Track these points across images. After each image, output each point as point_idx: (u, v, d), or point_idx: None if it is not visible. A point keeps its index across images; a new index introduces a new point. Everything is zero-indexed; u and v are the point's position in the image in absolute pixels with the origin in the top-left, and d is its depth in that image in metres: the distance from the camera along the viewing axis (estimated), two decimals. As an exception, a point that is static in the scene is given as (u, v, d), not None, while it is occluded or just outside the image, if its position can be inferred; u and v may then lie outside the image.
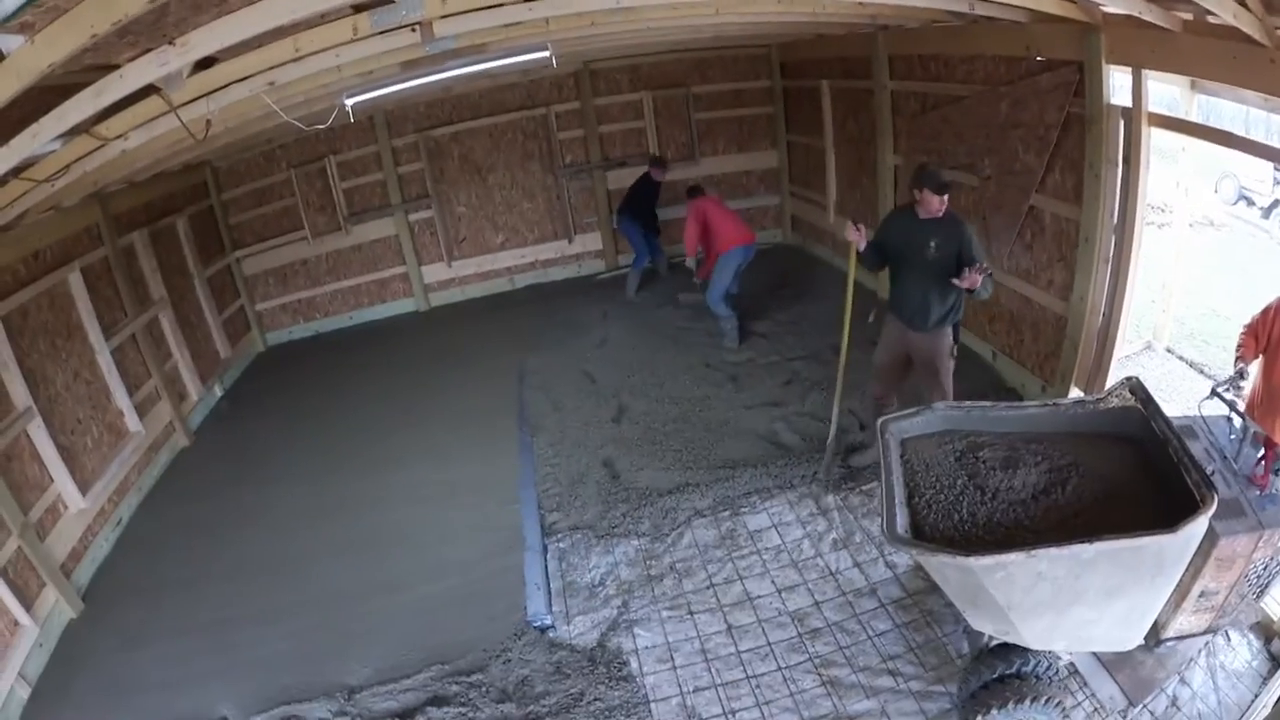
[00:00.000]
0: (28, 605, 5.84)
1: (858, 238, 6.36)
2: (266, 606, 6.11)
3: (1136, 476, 4.31)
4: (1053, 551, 3.63)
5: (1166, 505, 3.81)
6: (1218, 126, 6.92)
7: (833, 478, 6.94)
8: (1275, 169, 14.37)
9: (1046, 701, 4.42)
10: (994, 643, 4.64)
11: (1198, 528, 3.60)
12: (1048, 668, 4.55)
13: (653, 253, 11.84)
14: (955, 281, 5.97)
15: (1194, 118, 6.62)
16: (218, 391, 9.63)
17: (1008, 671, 4.52)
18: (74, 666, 5.78)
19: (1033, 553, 3.64)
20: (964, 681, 4.75)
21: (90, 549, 6.72)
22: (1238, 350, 5.44)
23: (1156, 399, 4.51)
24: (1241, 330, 5.56)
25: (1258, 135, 7.36)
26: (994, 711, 4.41)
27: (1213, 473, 4.35)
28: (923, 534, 4.21)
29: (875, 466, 5.19)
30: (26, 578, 5.95)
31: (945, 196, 6.02)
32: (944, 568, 4.02)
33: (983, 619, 4.25)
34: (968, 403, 4.98)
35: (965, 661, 5.00)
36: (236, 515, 7.27)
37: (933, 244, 6.14)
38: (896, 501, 4.27)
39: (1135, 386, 4.63)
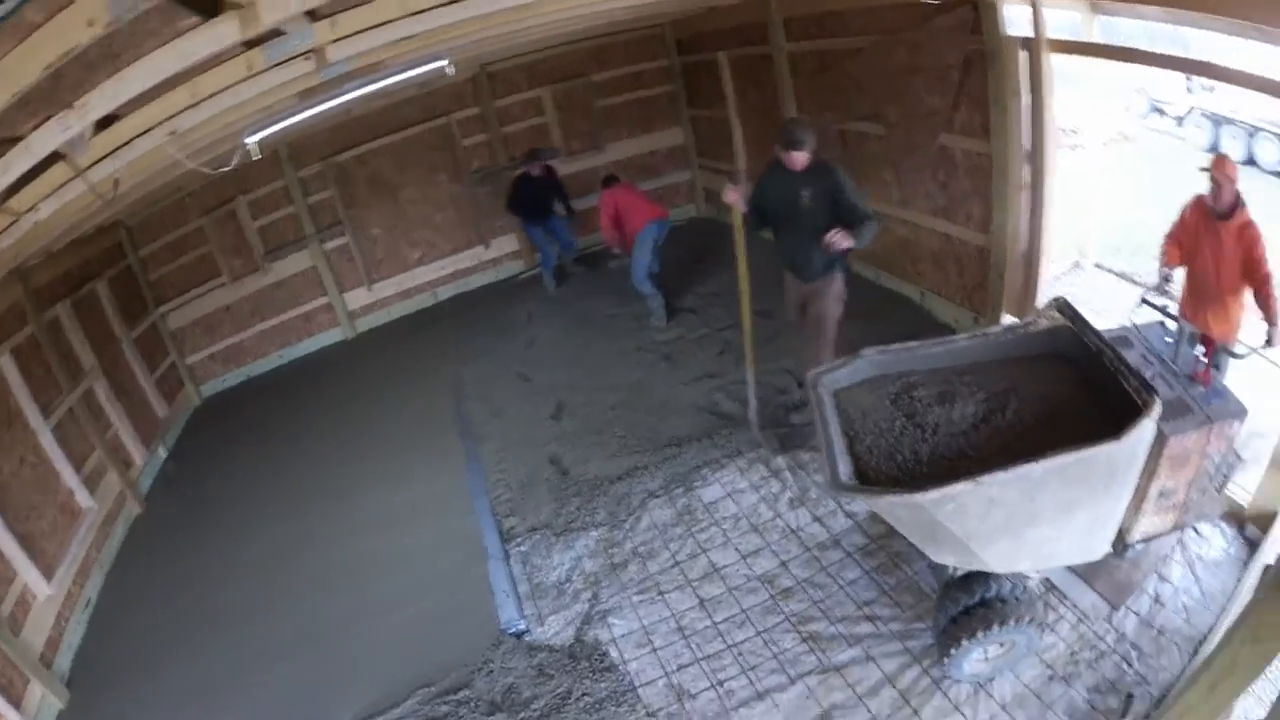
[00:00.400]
0: (16, 704, 5.67)
1: (735, 198, 6.40)
2: (247, 660, 6.01)
3: (1077, 393, 4.39)
4: (1000, 476, 3.67)
5: (1110, 415, 3.87)
6: (1121, 45, 7.06)
7: (772, 442, 7.02)
8: (1186, 78, 14.71)
9: (1024, 622, 4.49)
10: (959, 573, 4.70)
11: (1144, 432, 3.68)
12: (1019, 589, 4.60)
13: (563, 247, 11.78)
14: (828, 240, 6.00)
15: (1096, 39, 6.75)
16: (161, 453, 9.40)
17: (980, 598, 4.58)
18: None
19: (980, 480, 3.68)
20: (936, 615, 4.83)
21: (66, 635, 6.54)
22: (1161, 258, 5.60)
23: (1084, 314, 4.59)
24: (1164, 239, 5.71)
25: (1163, 48, 7.50)
26: (970, 639, 4.48)
27: (1152, 377, 4.48)
28: (868, 479, 4.24)
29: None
30: (10, 676, 5.76)
31: (799, 152, 6.10)
32: (894, 508, 4.07)
33: (943, 552, 4.30)
34: (895, 345, 5.01)
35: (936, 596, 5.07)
36: (202, 574, 7.13)
37: (805, 194, 6.22)
38: (837, 451, 4.31)
39: (1062, 305, 4.71)
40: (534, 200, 11.08)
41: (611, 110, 12.88)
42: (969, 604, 4.59)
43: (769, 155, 9.66)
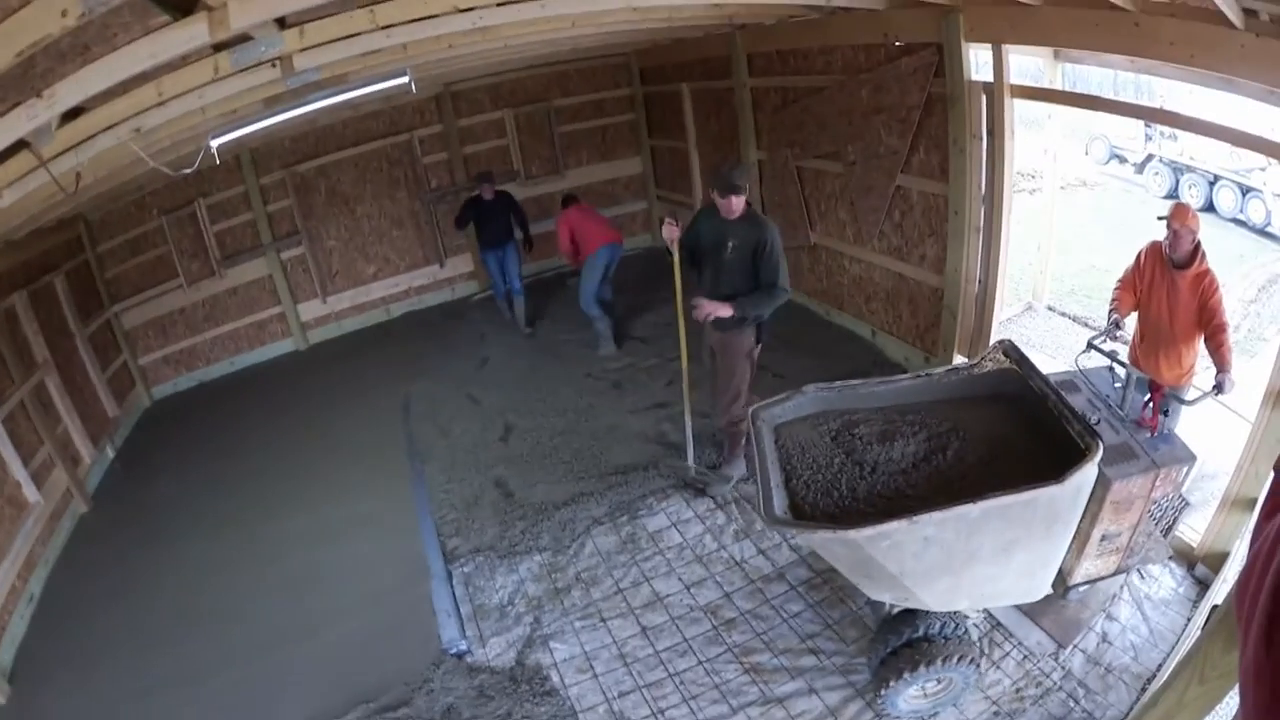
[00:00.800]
0: (-46, 696, 5.53)
1: (672, 234, 6.29)
2: (188, 668, 5.89)
3: (1021, 435, 4.42)
4: (936, 515, 3.70)
5: (1054, 458, 3.91)
6: (1083, 92, 7.22)
7: (708, 480, 7.03)
8: (1146, 126, 15.02)
9: (958, 660, 4.51)
10: (895, 609, 4.73)
11: (1085, 476, 3.72)
12: (955, 628, 4.63)
13: (511, 289, 11.13)
14: (695, 303, 6.13)
15: (1059, 86, 6.90)
16: (110, 453, 9.22)
17: (914, 636, 4.60)
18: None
19: (915, 519, 3.71)
20: (872, 650, 4.84)
21: (8, 630, 6.39)
22: (1112, 304, 5.65)
23: (1029, 357, 4.65)
24: (1116, 285, 5.78)
25: (1127, 96, 7.69)
26: (905, 676, 4.50)
27: (1098, 421, 4.53)
28: (803, 514, 4.24)
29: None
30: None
31: (738, 197, 6.00)
32: (829, 544, 4.07)
33: (879, 589, 4.33)
34: (838, 382, 5.02)
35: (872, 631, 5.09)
36: (146, 577, 7.00)
37: (730, 244, 6.15)
38: (773, 484, 4.31)
39: (1008, 348, 4.78)
40: (486, 224, 10.68)
41: (572, 136, 12.99)
42: (904, 640, 4.62)
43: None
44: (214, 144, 6.00)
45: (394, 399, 9.67)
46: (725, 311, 6.09)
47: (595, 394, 8.99)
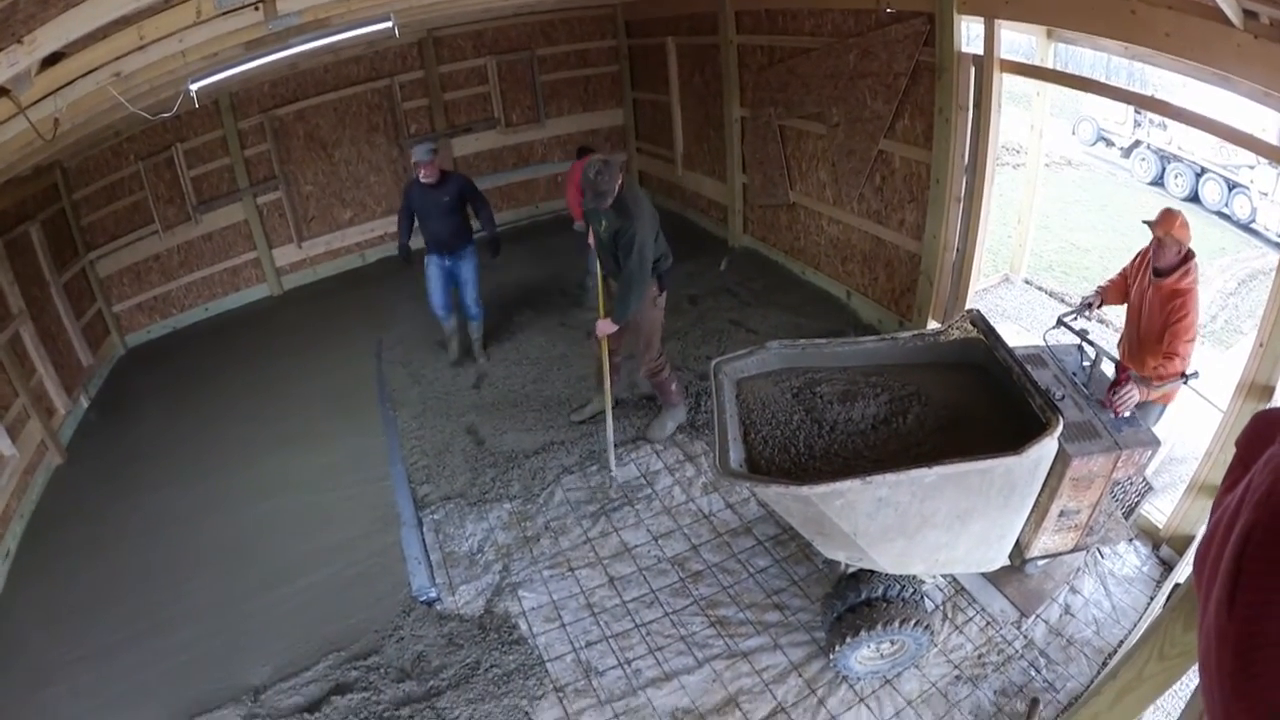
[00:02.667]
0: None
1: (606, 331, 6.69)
2: (163, 619, 5.90)
3: (983, 404, 4.47)
4: (890, 477, 3.74)
5: (1014, 430, 3.95)
6: (1074, 73, 7.21)
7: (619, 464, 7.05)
8: (1135, 112, 15.02)
9: (913, 625, 4.59)
10: (850, 569, 4.81)
11: (1044, 449, 3.78)
12: (903, 590, 4.71)
13: (468, 313, 8.80)
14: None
15: (1050, 64, 6.89)
16: (84, 402, 9.13)
17: (864, 598, 4.69)
18: (-14, 714, 5.44)
19: (869, 479, 3.74)
20: (826, 608, 4.93)
21: None
22: (1100, 286, 5.56)
23: (997, 329, 4.68)
24: (1106, 281, 5.64)
25: (1119, 81, 7.67)
26: (851, 638, 4.58)
27: (1062, 398, 4.54)
28: (759, 469, 4.27)
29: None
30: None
31: (599, 200, 6.12)
32: (783, 499, 4.12)
33: (833, 547, 4.37)
34: (803, 340, 5.06)
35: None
36: (121, 529, 6.97)
37: (604, 224, 6.34)
38: (730, 438, 4.33)
39: (976, 318, 4.81)
40: (428, 219, 8.23)
41: (555, 85, 12.90)
42: (856, 601, 4.70)
43: (706, 142, 9.72)
44: (193, 88, 5.93)
45: (367, 345, 9.67)
46: (610, 328, 6.59)
47: (569, 343, 9.02)
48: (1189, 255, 4.99)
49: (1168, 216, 5.00)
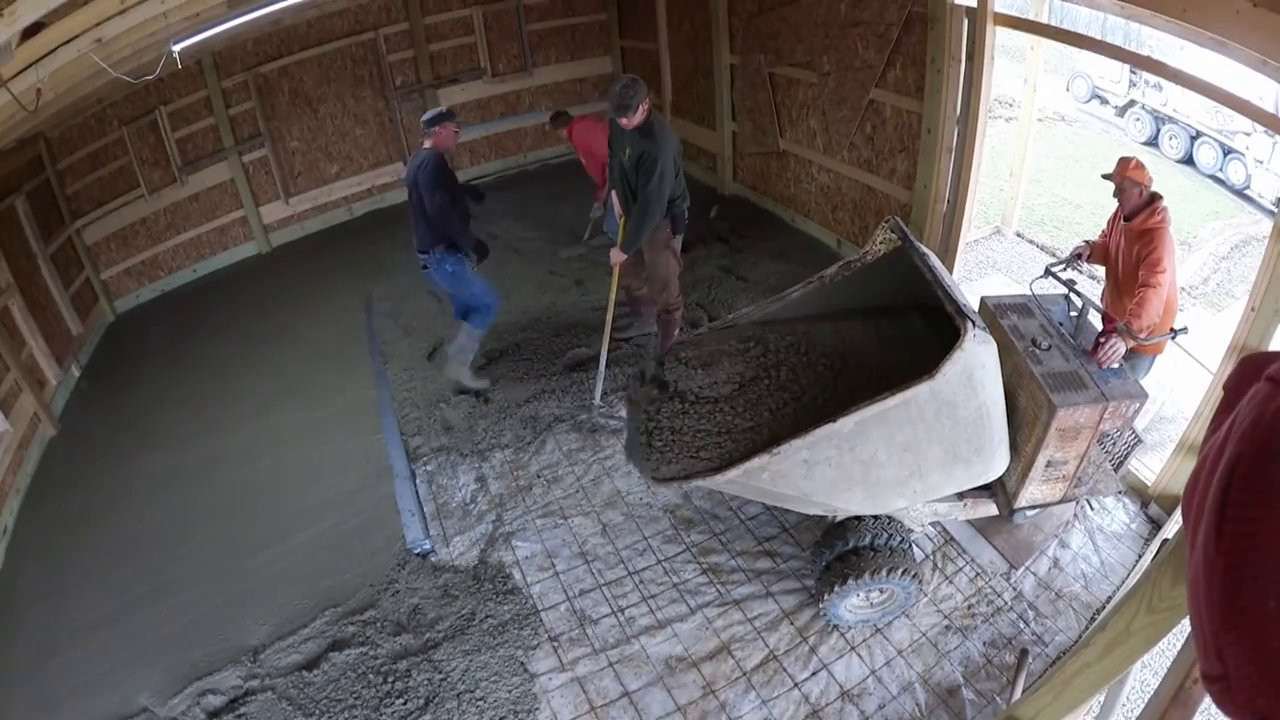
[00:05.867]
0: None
1: (618, 259, 6.78)
2: (162, 583, 5.93)
3: (878, 345, 4.64)
4: (798, 442, 3.81)
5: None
6: (1069, 29, 7.17)
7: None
8: (1131, 71, 14.90)
9: (901, 573, 4.62)
10: (837, 518, 4.83)
11: (967, 361, 3.66)
12: (890, 539, 4.72)
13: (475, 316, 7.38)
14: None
15: (1045, 19, 6.83)
16: (75, 372, 9.06)
17: (850, 547, 4.71)
18: (-9, 691, 5.44)
19: (775, 451, 3.83)
20: (816, 556, 4.96)
21: None
22: (1086, 241, 5.55)
23: (913, 236, 4.58)
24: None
25: (1115, 39, 7.63)
26: (839, 586, 4.62)
27: (1048, 348, 4.52)
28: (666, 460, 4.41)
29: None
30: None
31: (625, 119, 6.06)
32: (715, 487, 4.23)
33: (802, 506, 4.42)
34: (733, 314, 5.16)
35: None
36: (117, 496, 6.96)
37: (626, 150, 6.34)
38: (639, 448, 4.53)
39: (894, 225, 4.74)
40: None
41: (541, 34, 12.76)
42: (844, 549, 4.73)
43: (695, 90, 9.63)
44: (176, 49, 5.87)
45: (357, 299, 9.64)
46: (621, 257, 6.68)
47: (557, 291, 9.00)
48: (1154, 197, 5.06)
49: (1121, 163, 5.11)
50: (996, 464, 4.30)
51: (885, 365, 4.49)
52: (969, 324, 3.63)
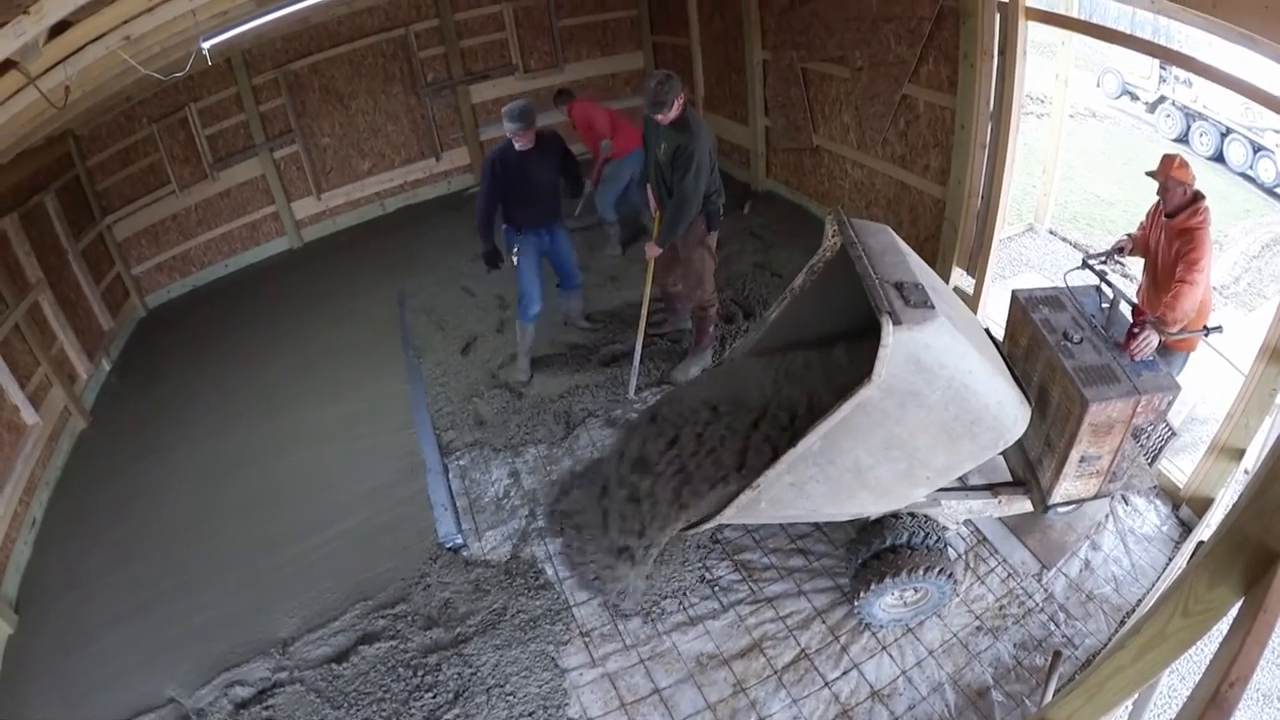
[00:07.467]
0: (-38, 630, 5.55)
1: (653, 253, 6.79)
2: (191, 576, 5.97)
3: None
4: (770, 473, 3.93)
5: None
6: (1099, 24, 7.08)
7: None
8: (1161, 67, 14.74)
9: (937, 572, 4.59)
10: (872, 517, 4.78)
11: (907, 351, 3.51)
12: (926, 538, 4.69)
13: (564, 282, 7.83)
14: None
15: (1075, 14, 6.76)
16: (106, 366, 9.17)
17: (884, 546, 4.68)
18: (21, 683, 5.43)
19: (755, 485, 3.97)
20: (851, 554, 4.93)
21: (13, 557, 6.36)
22: (1126, 235, 5.51)
23: (854, 226, 4.43)
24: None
25: (1144, 35, 7.57)
26: (876, 585, 4.58)
27: (1080, 341, 4.49)
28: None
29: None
30: (-44, 601, 5.60)
31: (660, 115, 6.08)
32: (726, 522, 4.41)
33: (821, 517, 4.55)
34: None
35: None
36: (146, 489, 7.03)
37: (662, 146, 6.30)
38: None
39: (834, 217, 4.63)
40: (522, 193, 6.92)
41: (573, 30, 12.71)
42: (881, 547, 4.70)
43: (728, 85, 9.58)
44: (205, 46, 5.88)
45: (390, 294, 9.63)
46: (656, 251, 6.68)
47: (592, 286, 8.84)
48: (1197, 196, 4.98)
49: (1165, 161, 5.03)
50: (1008, 426, 4.02)
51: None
52: (885, 319, 3.47)
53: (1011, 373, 4.04)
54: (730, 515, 4.13)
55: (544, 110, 8.05)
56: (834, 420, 3.66)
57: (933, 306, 3.57)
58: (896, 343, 3.44)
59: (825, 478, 3.96)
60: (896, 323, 3.43)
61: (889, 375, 3.49)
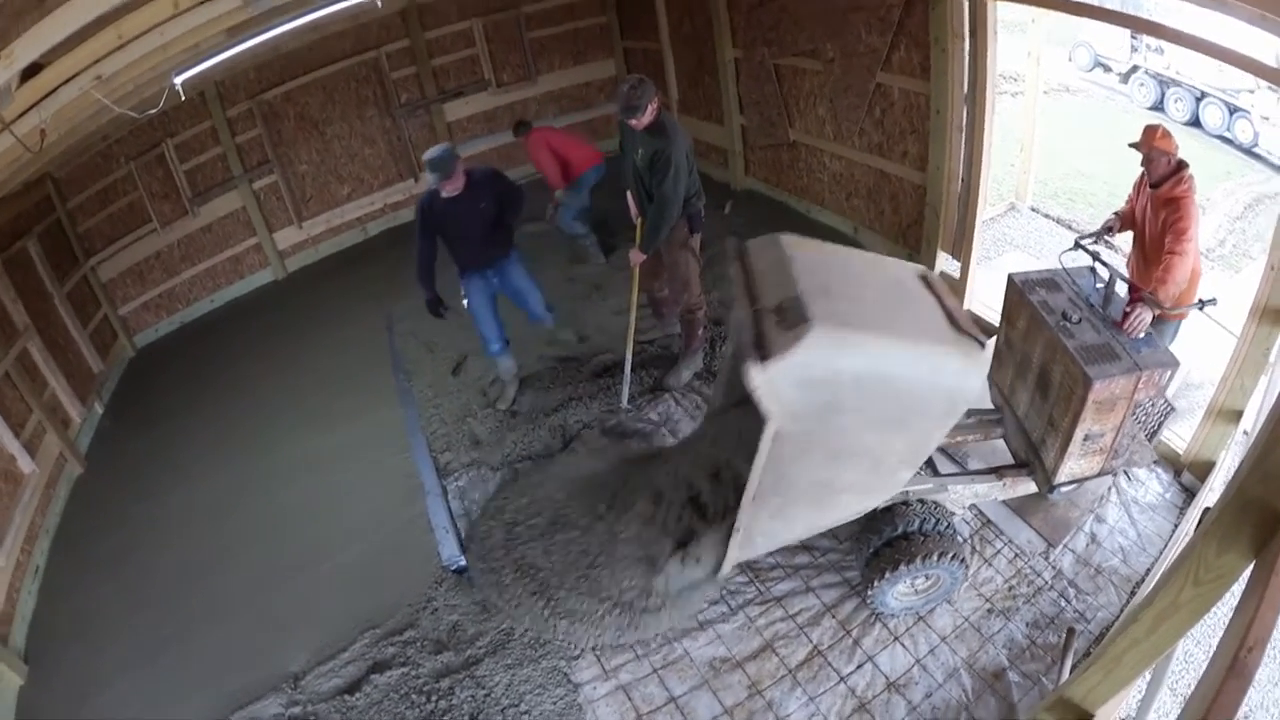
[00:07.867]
0: (-27, 684, 5.50)
1: (637, 259, 6.75)
2: (197, 616, 5.93)
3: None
4: (741, 517, 4.12)
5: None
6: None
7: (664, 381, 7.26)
8: (1132, 37, 14.81)
9: (949, 558, 4.60)
10: (881, 505, 4.74)
11: (788, 382, 3.53)
12: (937, 524, 4.70)
13: (527, 309, 7.52)
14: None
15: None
16: (98, 409, 9.10)
17: (895, 533, 4.69)
18: (38, 737, 5.42)
19: (736, 529, 4.14)
20: (861, 544, 4.92)
21: (19, 608, 6.30)
22: (1114, 213, 5.56)
23: (752, 256, 4.31)
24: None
25: (1112, 5, 7.56)
26: (889, 573, 4.59)
27: (1079, 320, 4.52)
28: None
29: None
30: (-34, 657, 5.57)
31: (634, 120, 6.08)
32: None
33: (832, 522, 4.47)
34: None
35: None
36: (146, 531, 6.98)
37: (639, 151, 6.30)
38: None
39: (734, 249, 4.48)
40: (460, 234, 6.91)
41: (543, 42, 12.70)
42: (892, 535, 4.70)
43: (701, 87, 9.58)
44: (178, 81, 5.88)
45: (377, 319, 9.60)
46: (640, 258, 6.65)
47: (577, 298, 8.93)
48: (1181, 165, 5.05)
49: (1147, 132, 5.10)
50: (956, 386, 3.84)
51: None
52: (745, 367, 3.48)
53: (952, 319, 3.90)
54: (735, 556, 4.21)
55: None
56: (760, 462, 3.75)
57: (808, 318, 3.52)
58: (767, 380, 3.47)
59: (798, 497, 4.03)
60: (761, 360, 3.47)
61: (785, 405, 3.54)
